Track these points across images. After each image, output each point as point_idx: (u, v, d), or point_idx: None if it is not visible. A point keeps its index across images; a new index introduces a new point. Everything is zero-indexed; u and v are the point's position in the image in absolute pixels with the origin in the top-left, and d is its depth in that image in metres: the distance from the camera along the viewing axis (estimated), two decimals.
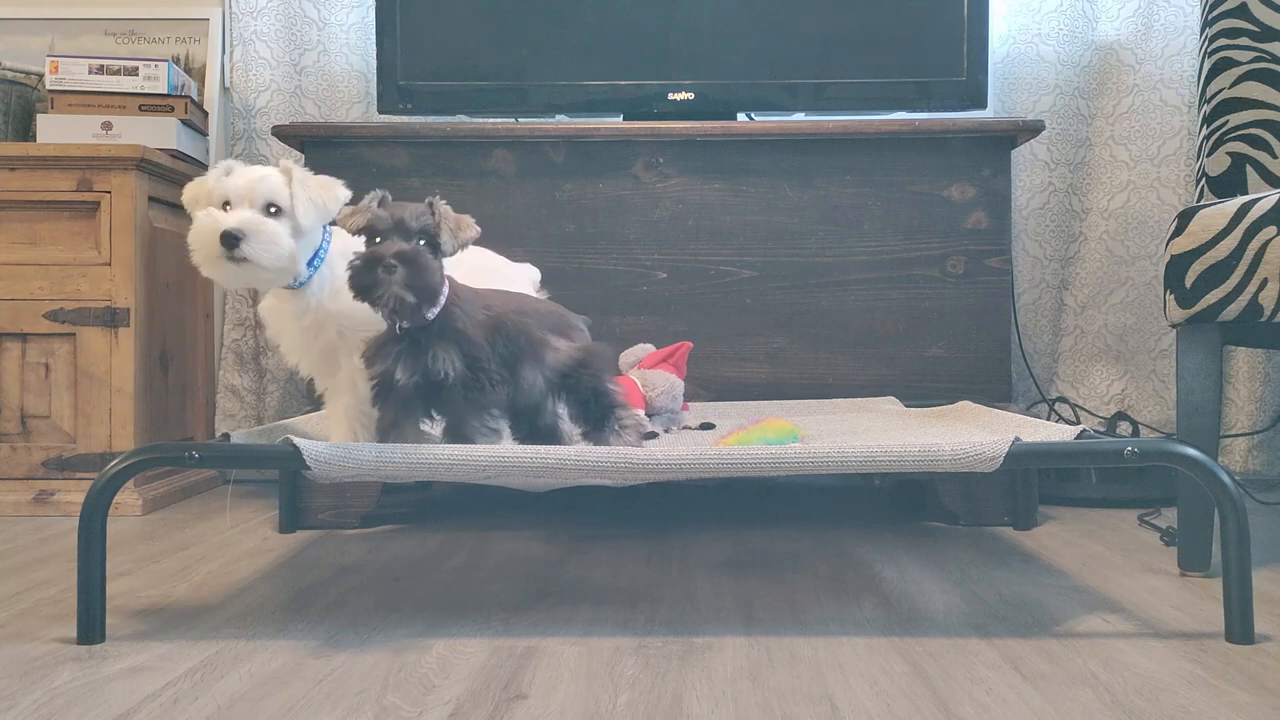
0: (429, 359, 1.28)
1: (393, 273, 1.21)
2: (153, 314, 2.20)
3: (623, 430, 1.40)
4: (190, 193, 1.34)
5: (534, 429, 1.43)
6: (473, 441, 1.31)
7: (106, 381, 2.10)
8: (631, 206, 2.06)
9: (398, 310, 1.25)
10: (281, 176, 1.32)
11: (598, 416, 1.40)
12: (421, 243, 1.25)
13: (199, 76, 2.51)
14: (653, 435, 1.64)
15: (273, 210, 1.30)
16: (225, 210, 1.30)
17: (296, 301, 1.38)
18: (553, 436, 1.43)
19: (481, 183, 2.08)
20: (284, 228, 1.30)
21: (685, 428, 1.82)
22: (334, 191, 1.35)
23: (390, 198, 1.28)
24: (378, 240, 1.25)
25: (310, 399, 2.07)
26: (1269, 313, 1.48)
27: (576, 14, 2.17)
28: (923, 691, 1.09)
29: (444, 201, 1.29)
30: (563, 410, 1.43)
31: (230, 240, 1.25)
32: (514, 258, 2.07)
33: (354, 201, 1.31)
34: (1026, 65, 2.42)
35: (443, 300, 1.28)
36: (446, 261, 1.29)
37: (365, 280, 1.22)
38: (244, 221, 1.26)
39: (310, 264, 1.36)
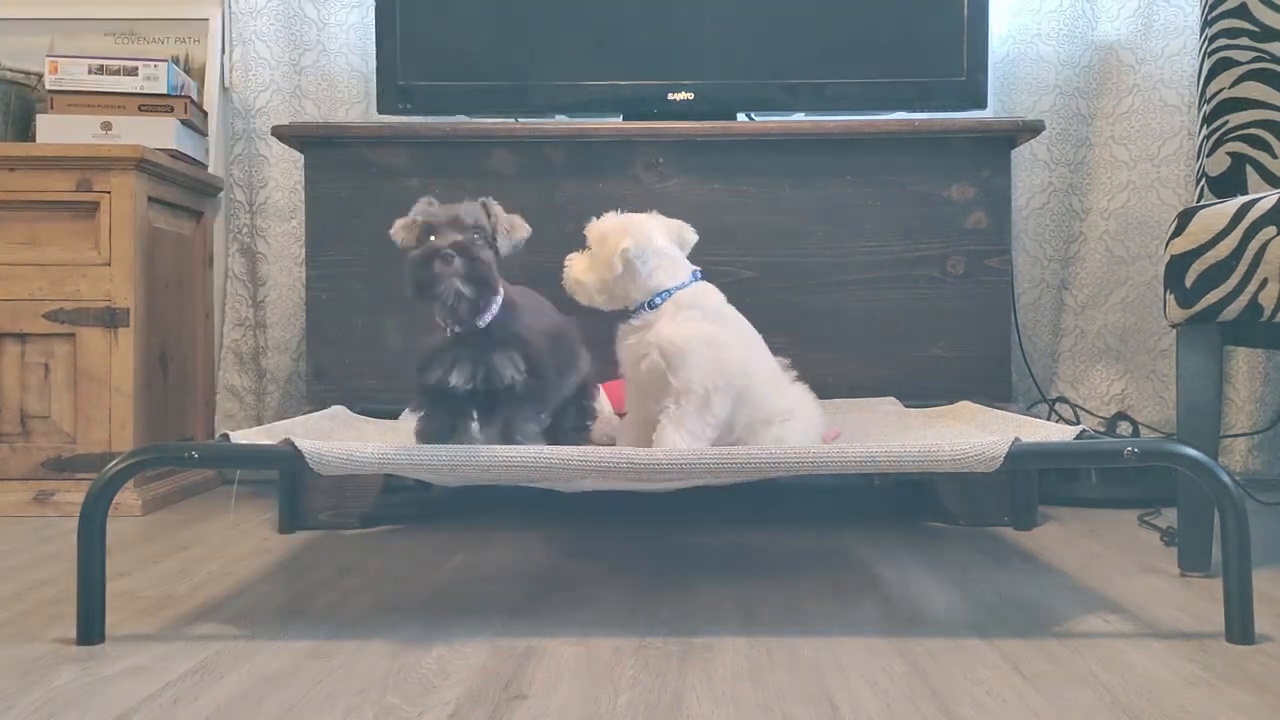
0: (490, 366, 1.28)
1: (450, 263, 1.20)
2: (152, 314, 2.20)
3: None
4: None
5: (560, 430, 1.51)
6: (520, 443, 1.32)
7: (106, 381, 2.10)
8: (631, 207, 2.03)
9: (455, 308, 1.24)
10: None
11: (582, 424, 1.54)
12: (477, 237, 1.24)
13: (199, 76, 2.51)
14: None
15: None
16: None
17: (632, 328, 1.52)
18: (580, 436, 1.52)
19: (481, 183, 2.07)
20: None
21: None
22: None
23: (437, 202, 1.29)
24: (432, 237, 1.23)
25: (310, 399, 2.07)
26: (1269, 313, 1.48)
27: (576, 14, 2.17)
28: (923, 691, 1.09)
29: (496, 203, 1.29)
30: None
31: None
32: (514, 257, 2.07)
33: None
34: (1026, 65, 2.41)
35: (497, 304, 1.28)
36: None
37: (423, 275, 1.21)
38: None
39: (656, 299, 1.51)
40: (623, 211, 1.57)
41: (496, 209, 1.29)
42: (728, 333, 1.55)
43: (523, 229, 1.31)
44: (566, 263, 1.54)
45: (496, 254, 1.27)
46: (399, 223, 1.29)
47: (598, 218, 1.55)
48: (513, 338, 1.30)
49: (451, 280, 1.21)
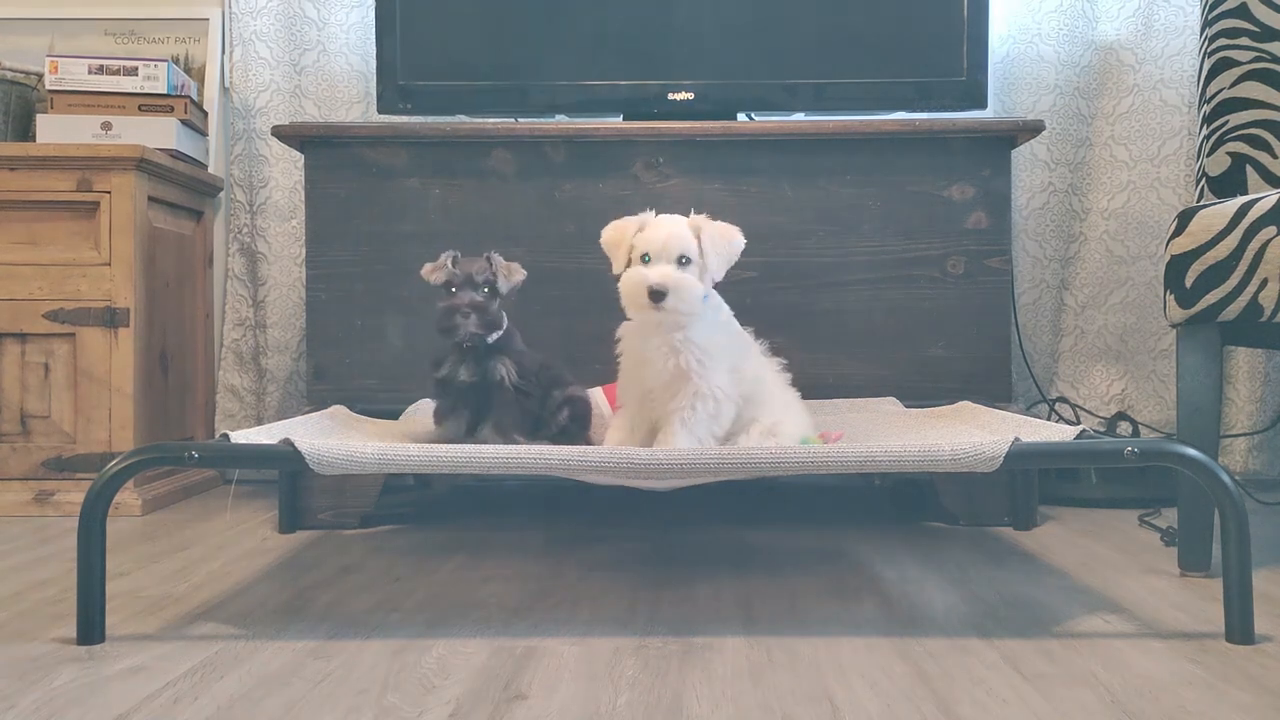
0: (487, 367, 1.64)
1: (467, 318, 1.60)
2: (152, 314, 2.20)
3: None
4: (609, 236, 1.55)
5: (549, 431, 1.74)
6: (511, 435, 1.63)
7: (106, 381, 2.10)
8: (631, 206, 2.03)
9: (470, 339, 1.62)
10: (690, 230, 1.50)
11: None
12: (486, 289, 1.61)
13: (199, 76, 2.51)
14: None
15: (684, 261, 1.48)
16: (644, 263, 1.49)
17: (654, 328, 1.52)
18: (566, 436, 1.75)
19: (481, 183, 2.08)
20: (694, 277, 1.48)
21: None
22: (734, 238, 1.53)
23: (460, 256, 1.62)
24: (453, 290, 1.60)
25: (310, 399, 2.07)
26: (1269, 313, 1.48)
27: (576, 14, 2.17)
28: (923, 691, 1.09)
29: (499, 255, 1.64)
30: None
31: (656, 295, 1.45)
32: (514, 257, 2.07)
33: (433, 259, 1.64)
34: (1026, 65, 2.41)
35: (503, 327, 1.66)
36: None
37: (446, 323, 1.60)
38: (664, 277, 1.46)
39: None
40: (626, 212, 1.58)
41: (498, 261, 1.63)
42: (744, 342, 1.61)
43: (519, 273, 1.65)
44: (661, 279, 1.45)
45: (499, 295, 1.63)
46: (427, 267, 1.64)
47: (647, 216, 1.53)
48: (508, 351, 1.66)
49: (467, 328, 1.60)
